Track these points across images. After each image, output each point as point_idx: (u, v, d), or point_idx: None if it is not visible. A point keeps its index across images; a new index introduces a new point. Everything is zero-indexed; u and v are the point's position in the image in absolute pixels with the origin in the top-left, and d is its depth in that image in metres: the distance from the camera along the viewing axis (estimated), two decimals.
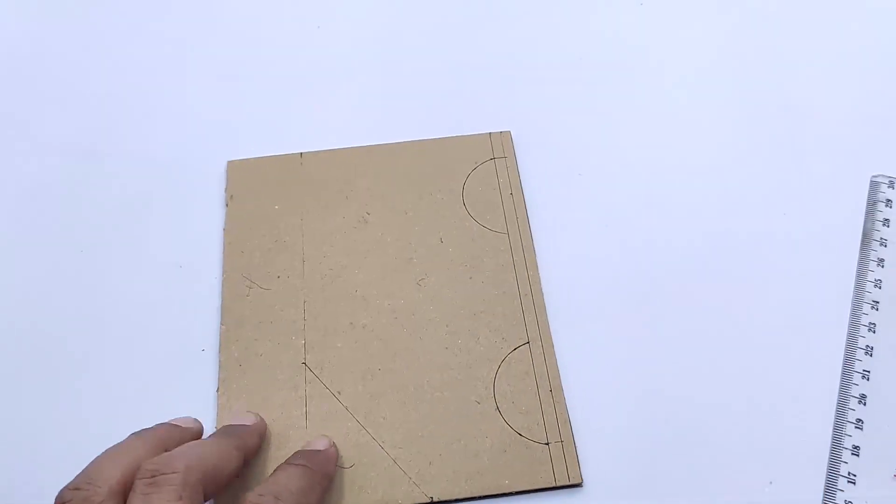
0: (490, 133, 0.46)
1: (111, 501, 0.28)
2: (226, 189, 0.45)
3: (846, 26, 0.51)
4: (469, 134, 0.46)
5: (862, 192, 0.44)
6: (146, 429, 0.34)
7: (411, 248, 0.42)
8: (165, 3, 0.54)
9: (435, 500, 0.35)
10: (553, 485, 0.35)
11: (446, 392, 0.38)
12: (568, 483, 0.36)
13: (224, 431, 0.35)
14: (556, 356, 0.39)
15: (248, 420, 0.36)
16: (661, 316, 0.40)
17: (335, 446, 0.36)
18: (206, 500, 0.30)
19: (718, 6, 0.52)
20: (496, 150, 0.46)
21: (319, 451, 0.35)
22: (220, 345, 0.39)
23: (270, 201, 0.44)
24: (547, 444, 0.36)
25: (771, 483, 0.36)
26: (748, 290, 0.41)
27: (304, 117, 0.48)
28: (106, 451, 0.31)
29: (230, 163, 0.46)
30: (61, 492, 0.29)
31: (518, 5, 0.53)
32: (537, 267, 0.41)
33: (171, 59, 0.51)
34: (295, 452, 0.35)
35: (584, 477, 0.36)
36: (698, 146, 0.46)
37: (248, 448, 0.35)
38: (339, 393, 0.38)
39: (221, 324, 0.40)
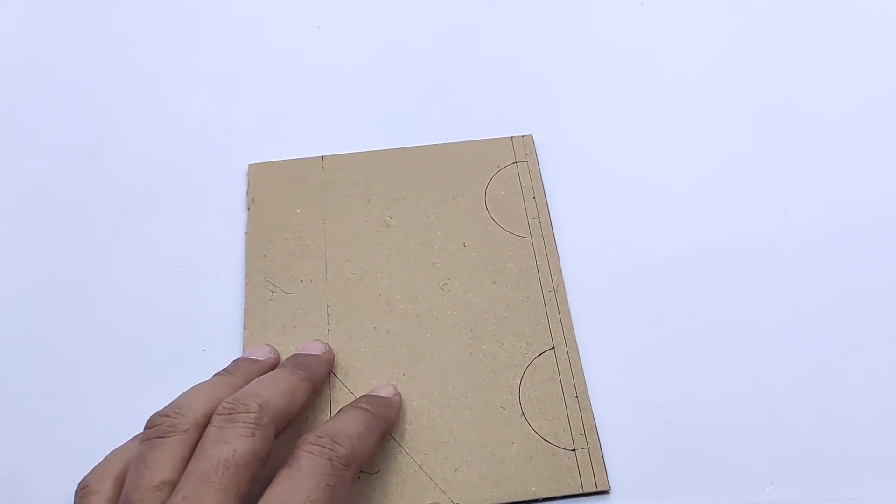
0: (512, 137, 0.46)
1: (195, 430, 0.31)
2: (247, 193, 0.45)
3: (848, 24, 0.51)
4: (491, 137, 0.46)
5: (863, 190, 0.44)
6: (227, 367, 0.36)
7: (434, 252, 0.42)
8: (181, 5, 0.54)
9: None
10: (580, 492, 0.35)
11: (471, 398, 0.38)
12: (595, 490, 0.35)
13: (295, 362, 0.37)
14: (581, 361, 0.39)
15: (317, 349, 0.38)
16: (685, 319, 0.40)
17: (399, 395, 0.38)
18: (276, 434, 0.32)
19: (720, 5, 0.52)
20: (518, 154, 0.45)
21: (383, 397, 0.37)
22: (244, 350, 0.39)
23: (292, 205, 0.44)
24: (573, 450, 0.36)
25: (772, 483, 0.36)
26: (775, 290, 0.41)
27: (325, 121, 0.48)
28: (194, 387, 0.34)
29: (251, 166, 0.45)
30: (152, 417, 0.32)
31: (534, 8, 0.53)
32: (561, 271, 0.41)
33: (188, 61, 0.51)
34: (361, 396, 0.37)
35: (610, 483, 0.36)
36: (714, 145, 0.46)
37: (317, 379, 0.36)
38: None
39: (244, 328, 0.40)
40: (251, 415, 0.31)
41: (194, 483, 0.29)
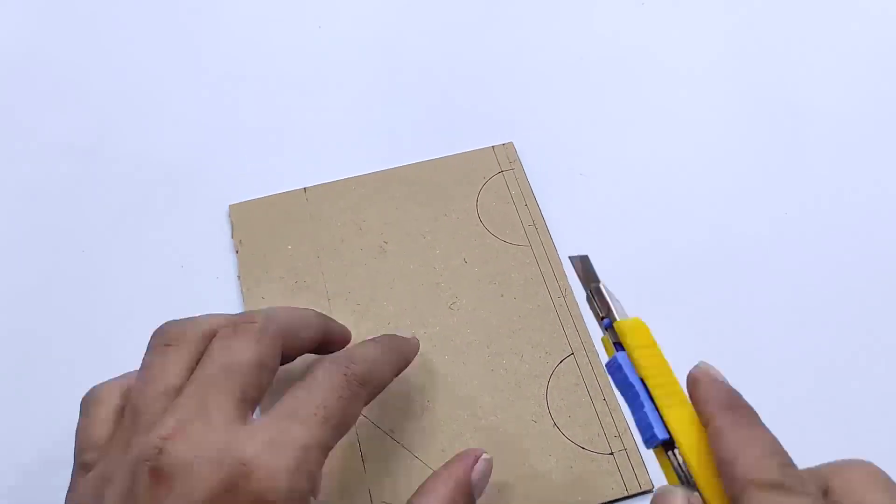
0: (493, 146, 0.46)
1: (201, 342, 0.30)
2: (233, 235, 0.43)
3: (847, 24, 0.51)
4: (472, 150, 0.46)
5: (863, 189, 0.45)
6: None
7: (436, 272, 0.41)
8: (181, 5, 0.54)
9: None
10: (625, 494, 0.35)
11: (501, 415, 0.37)
12: (639, 490, 0.35)
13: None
14: (603, 364, 0.39)
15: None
16: (685, 318, 0.40)
17: (418, 340, 0.37)
18: (286, 353, 0.32)
19: (720, 5, 0.52)
20: (502, 163, 0.45)
21: (401, 335, 0.36)
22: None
23: (282, 242, 0.42)
24: (611, 453, 0.36)
25: None
26: (777, 290, 0.41)
27: (299, 152, 0.47)
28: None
29: (232, 206, 0.44)
30: (159, 327, 0.31)
31: (516, 9, 0.53)
32: (566, 276, 0.41)
33: (188, 61, 0.51)
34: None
35: (652, 481, 0.36)
36: (713, 146, 0.46)
37: (332, 328, 0.36)
38: (392, 431, 0.37)
39: None
40: (255, 324, 0.31)
41: (198, 386, 0.28)
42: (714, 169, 0.45)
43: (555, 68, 0.50)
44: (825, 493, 0.24)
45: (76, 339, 0.41)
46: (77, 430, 0.31)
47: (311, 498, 0.28)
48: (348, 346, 0.35)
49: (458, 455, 0.32)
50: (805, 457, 0.36)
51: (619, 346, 0.28)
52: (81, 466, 0.30)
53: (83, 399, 0.32)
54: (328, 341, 0.35)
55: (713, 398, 0.26)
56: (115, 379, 0.32)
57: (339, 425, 0.29)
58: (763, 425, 0.26)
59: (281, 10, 0.54)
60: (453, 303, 0.40)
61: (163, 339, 0.31)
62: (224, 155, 0.47)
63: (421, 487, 0.31)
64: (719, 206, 0.44)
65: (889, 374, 0.39)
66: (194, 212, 0.44)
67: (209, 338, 0.31)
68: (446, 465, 0.32)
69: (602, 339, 0.29)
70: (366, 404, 0.31)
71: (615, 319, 0.29)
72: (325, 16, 0.53)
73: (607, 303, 0.29)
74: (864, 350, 0.40)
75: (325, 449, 0.28)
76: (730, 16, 0.52)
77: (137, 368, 0.31)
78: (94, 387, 0.32)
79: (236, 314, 0.32)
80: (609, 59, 0.50)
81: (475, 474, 0.31)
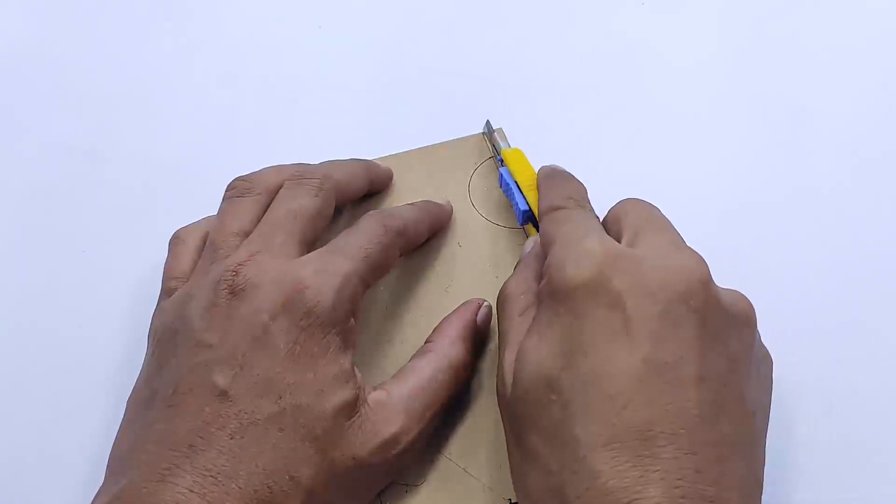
0: (483, 132, 0.46)
1: (267, 195, 0.37)
2: None
3: (849, 22, 0.51)
4: (462, 136, 0.46)
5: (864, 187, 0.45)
6: None
7: (431, 257, 0.42)
8: (182, 5, 0.54)
9: (513, 501, 0.35)
10: None
11: None
12: None
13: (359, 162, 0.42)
14: None
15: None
16: None
17: (451, 206, 0.43)
18: (337, 203, 0.38)
19: (720, 5, 0.52)
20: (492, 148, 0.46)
21: (437, 202, 0.42)
22: None
23: None
24: None
25: None
26: (779, 290, 0.41)
27: (299, 151, 0.46)
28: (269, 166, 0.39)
29: None
30: (232, 181, 0.38)
31: (516, 8, 0.53)
32: None
33: (188, 61, 0.52)
34: None
35: None
36: (701, 143, 0.47)
37: (376, 174, 0.42)
38: None
39: None
40: (315, 180, 0.37)
41: (267, 226, 0.35)
42: (709, 168, 0.46)
43: (553, 66, 0.50)
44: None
45: (77, 339, 0.41)
46: (164, 266, 0.37)
47: (352, 319, 0.33)
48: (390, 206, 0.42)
49: (464, 303, 0.38)
50: (805, 454, 0.37)
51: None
52: (166, 292, 0.36)
53: (169, 240, 0.38)
54: (375, 186, 0.42)
55: (540, 173, 0.40)
56: (195, 223, 0.39)
57: (377, 264, 0.35)
58: (570, 181, 0.39)
59: (281, 10, 0.54)
60: (449, 286, 0.41)
61: (235, 191, 0.37)
62: (224, 155, 0.47)
63: (436, 329, 0.37)
64: (714, 204, 0.44)
65: (890, 372, 0.39)
66: (194, 212, 0.43)
67: (273, 190, 0.37)
68: (455, 310, 0.38)
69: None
70: (401, 255, 0.38)
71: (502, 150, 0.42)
72: (326, 16, 0.53)
73: (498, 144, 0.43)
74: (867, 350, 0.40)
75: (364, 280, 0.34)
76: (730, 16, 0.52)
77: (213, 215, 0.38)
78: (178, 230, 0.38)
79: (298, 168, 0.38)
80: (608, 58, 0.50)
81: (479, 317, 0.38)
